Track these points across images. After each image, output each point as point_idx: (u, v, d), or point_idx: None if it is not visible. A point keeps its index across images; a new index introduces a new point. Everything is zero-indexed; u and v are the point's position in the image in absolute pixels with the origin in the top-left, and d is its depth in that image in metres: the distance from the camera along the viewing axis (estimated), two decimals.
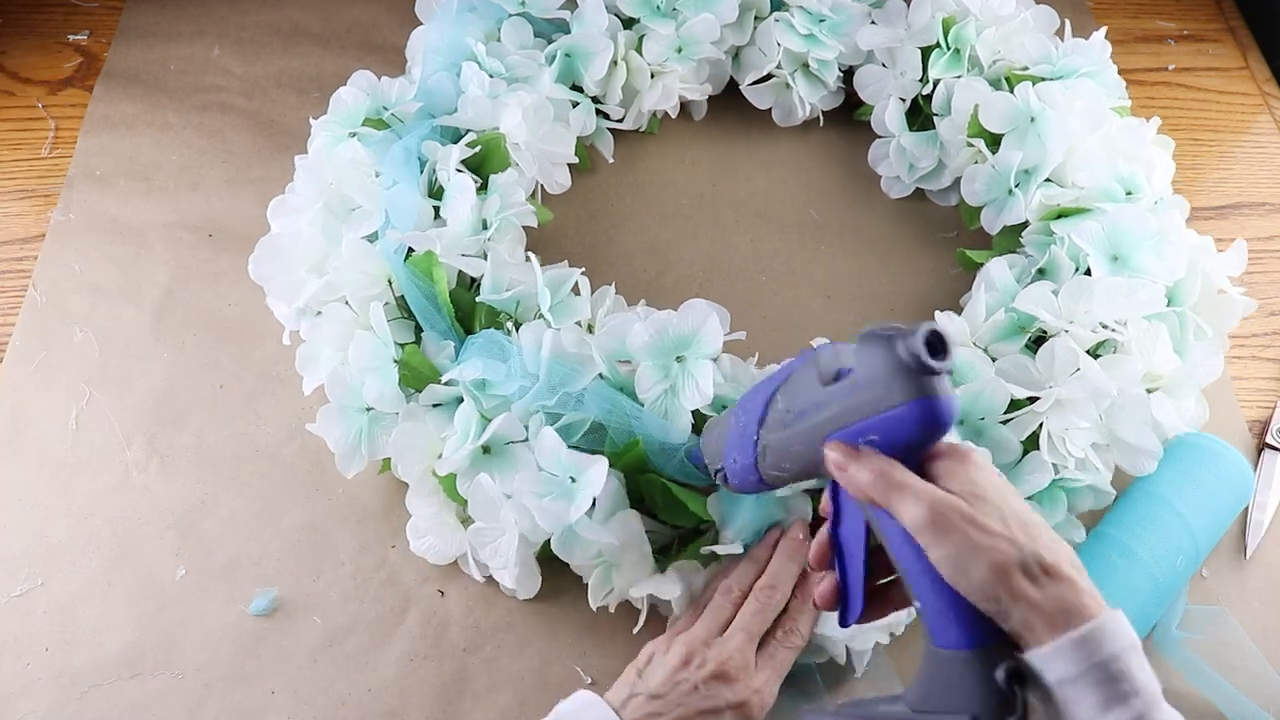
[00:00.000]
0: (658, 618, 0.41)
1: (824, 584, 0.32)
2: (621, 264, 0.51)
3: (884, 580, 0.32)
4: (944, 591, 0.27)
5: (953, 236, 0.53)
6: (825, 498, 0.32)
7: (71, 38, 0.57)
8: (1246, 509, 0.45)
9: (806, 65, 0.54)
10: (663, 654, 0.36)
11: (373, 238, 0.43)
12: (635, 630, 0.40)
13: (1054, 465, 0.40)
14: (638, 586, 0.39)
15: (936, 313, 0.45)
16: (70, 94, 0.55)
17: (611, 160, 0.54)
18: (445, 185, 0.45)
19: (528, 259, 0.42)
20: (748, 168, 0.56)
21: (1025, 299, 0.43)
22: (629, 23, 0.53)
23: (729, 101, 0.57)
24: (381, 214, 0.43)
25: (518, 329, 0.40)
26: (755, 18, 0.54)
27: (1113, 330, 0.42)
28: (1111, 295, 0.42)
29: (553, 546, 0.38)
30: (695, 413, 0.40)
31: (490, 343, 0.40)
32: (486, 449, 0.40)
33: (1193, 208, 0.49)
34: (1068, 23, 0.52)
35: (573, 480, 0.38)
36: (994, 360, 0.43)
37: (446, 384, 0.40)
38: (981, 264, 0.47)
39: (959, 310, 0.47)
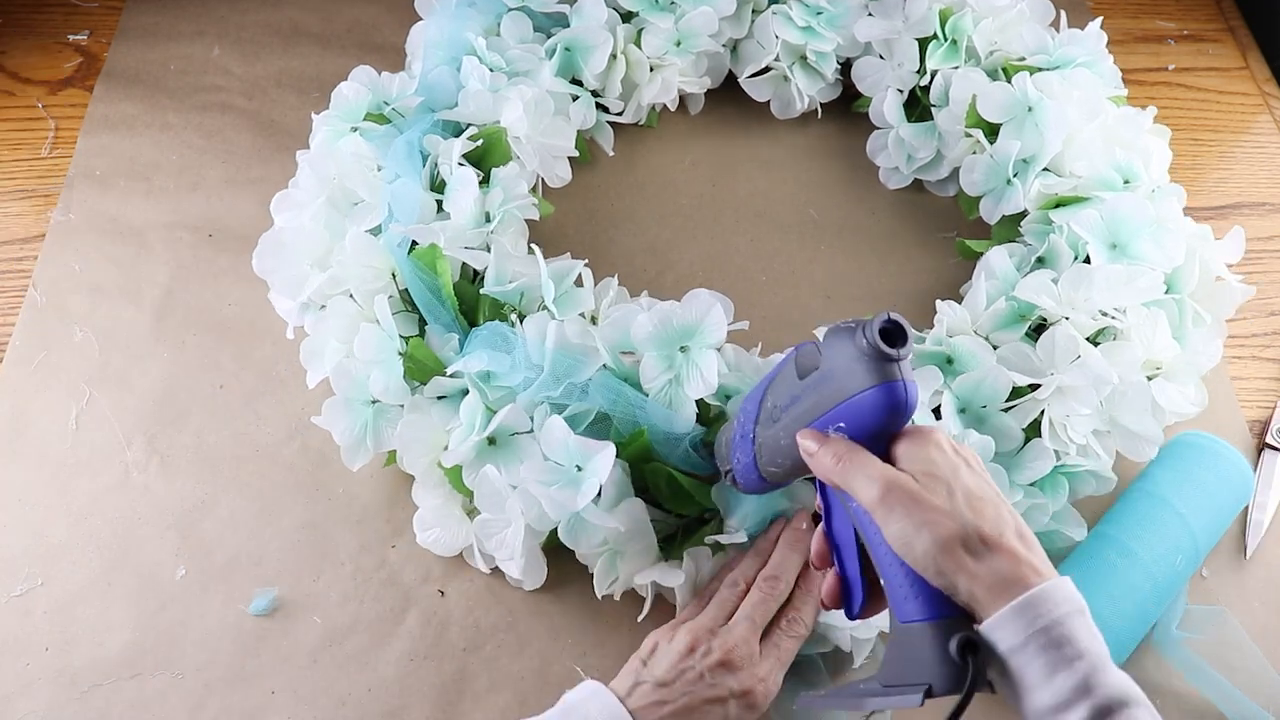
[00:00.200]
0: (661, 608, 0.41)
1: (827, 581, 0.32)
2: (622, 263, 0.51)
3: None
4: (900, 567, 0.29)
5: (952, 236, 0.53)
6: (816, 496, 0.33)
7: (71, 38, 0.58)
8: (1246, 509, 0.45)
9: (804, 57, 0.54)
10: (667, 643, 0.36)
11: (376, 231, 0.43)
12: (640, 618, 0.40)
13: (1056, 452, 0.41)
14: (642, 574, 0.39)
15: (938, 302, 0.45)
16: (70, 94, 0.55)
17: (611, 154, 0.55)
18: (447, 179, 0.45)
19: (531, 251, 0.42)
20: (747, 166, 0.56)
21: (1025, 287, 0.43)
22: (628, 16, 0.53)
23: (728, 94, 0.57)
24: (384, 208, 0.43)
25: (522, 321, 0.41)
26: (753, 11, 0.54)
27: (1112, 317, 0.42)
28: (1111, 283, 0.42)
29: (559, 534, 0.38)
30: (700, 402, 0.40)
31: (494, 335, 0.40)
32: (492, 440, 0.40)
33: (1193, 207, 0.50)
34: (1063, 14, 0.53)
35: (579, 469, 0.38)
36: (995, 348, 0.43)
37: (451, 376, 0.40)
38: (981, 253, 0.47)
39: (960, 300, 0.47)
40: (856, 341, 0.29)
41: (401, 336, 0.41)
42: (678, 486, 0.39)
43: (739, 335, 0.42)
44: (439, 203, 0.45)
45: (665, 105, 0.55)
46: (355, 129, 0.47)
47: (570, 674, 0.40)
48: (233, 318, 0.48)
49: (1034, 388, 0.41)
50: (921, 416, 0.40)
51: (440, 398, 0.41)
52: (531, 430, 0.39)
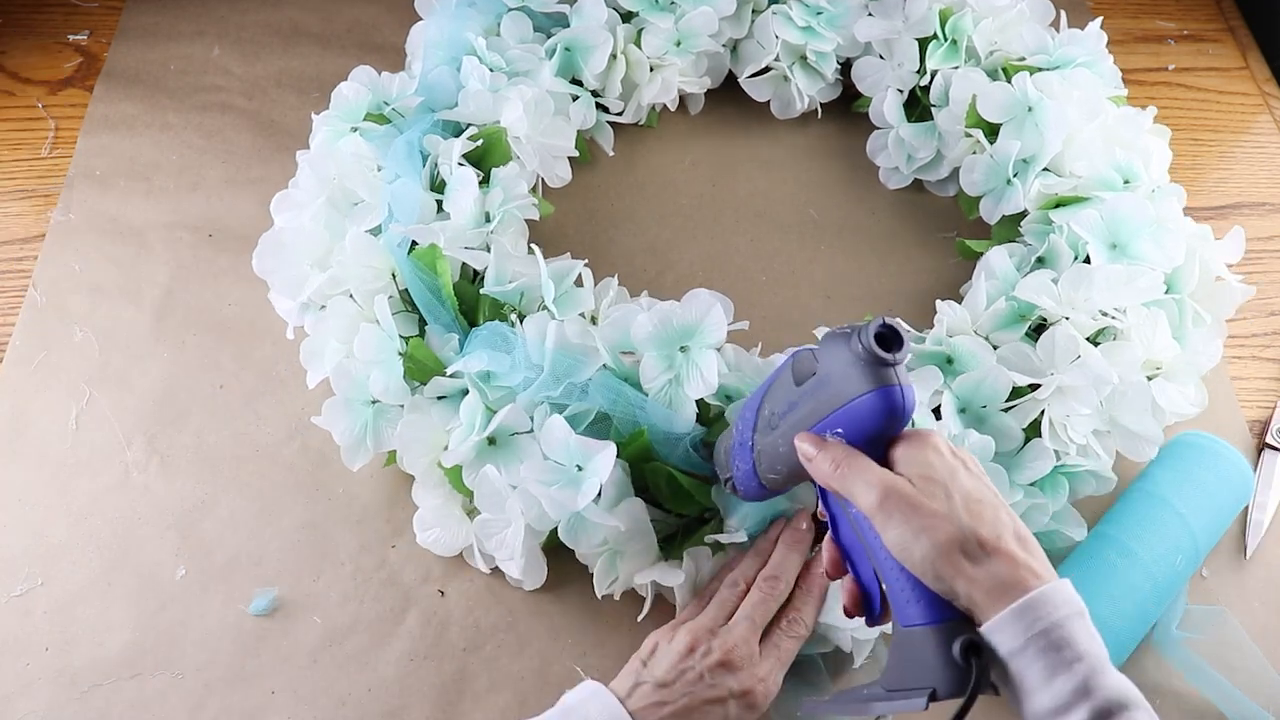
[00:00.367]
0: (661, 608, 0.41)
1: (845, 588, 0.32)
2: (622, 263, 0.51)
3: None
4: (901, 572, 0.29)
5: (952, 236, 0.53)
6: (818, 507, 0.33)
7: (71, 38, 0.58)
8: (1246, 509, 0.45)
9: (804, 57, 0.54)
10: (667, 643, 0.36)
11: (376, 231, 0.43)
12: (640, 618, 0.40)
13: (1056, 452, 0.41)
14: (642, 574, 0.39)
15: (938, 302, 0.45)
16: (70, 94, 0.55)
17: (611, 154, 0.55)
18: (447, 179, 0.45)
19: (531, 251, 0.42)
20: (747, 166, 0.56)
21: (1025, 287, 0.43)
22: (628, 16, 0.53)
23: (728, 94, 0.57)
24: (384, 208, 0.43)
25: (521, 321, 0.40)
26: (753, 11, 0.54)
27: (1112, 317, 0.42)
28: (1111, 283, 0.42)
29: (560, 533, 0.38)
30: (700, 402, 0.40)
31: (494, 335, 0.40)
32: (492, 440, 0.40)
33: (1193, 208, 0.50)
34: (1063, 14, 0.53)
35: (579, 469, 0.38)
36: (995, 348, 0.43)
37: (451, 376, 0.40)
38: (981, 253, 0.47)
39: (960, 300, 0.47)
40: (852, 346, 0.29)
41: (401, 336, 0.41)
42: (678, 486, 0.39)
43: (739, 335, 0.42)
44: (439, 203, 0.45)
45: (665, 105, 0.55)
46: (355, 129, 0.47)
47: (570, 674, 0.40)
48: (233, 318, 0.48)
49: (1034, 388, 0.41)
50: (921, 417, 0.40)
51: (440, 398, 0.41)
52: (531, 430, 0.39)
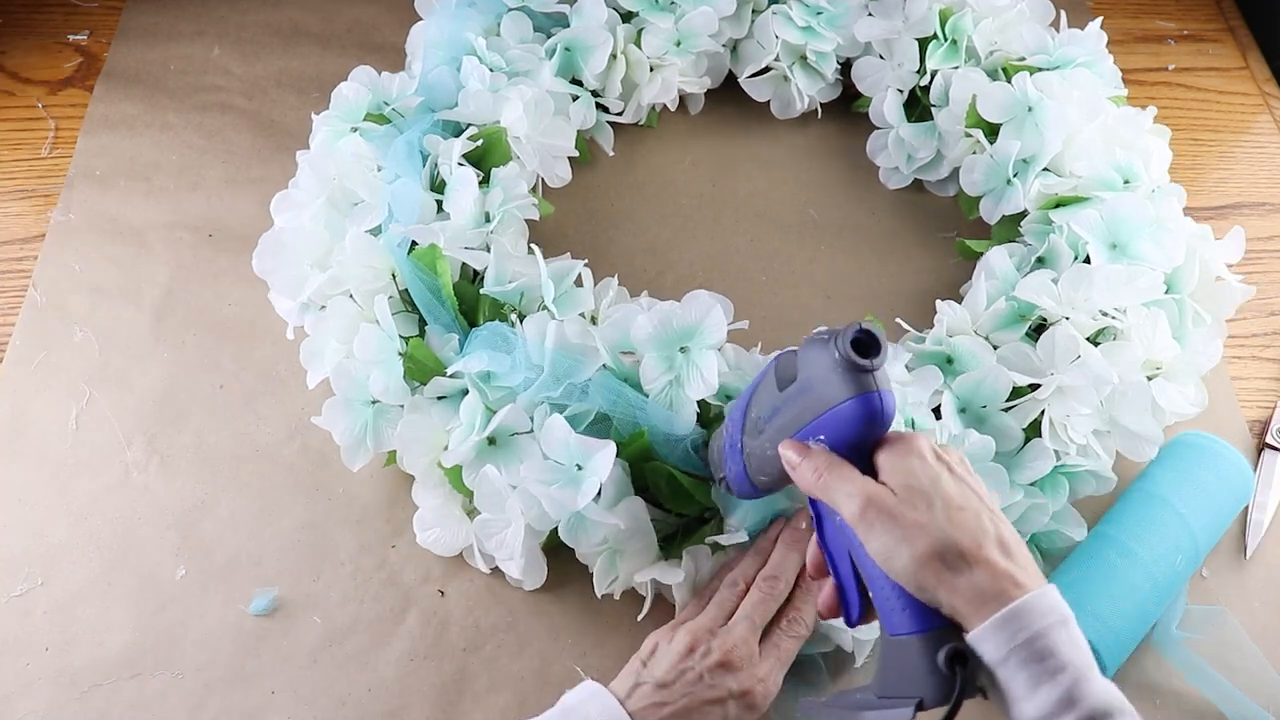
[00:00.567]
0: (661, 607, 0.41)
1: (824, 590, 0.32)
2: (622, 263, 0.51)
3: None
4: (886, 580, 0.29)
5: (952, 236, 0.53)
6: (807, 507, 0.33)
7: (71, 38, 0.58)
8: (1246, 509, 0.45)
9: (804, 57, 0.54)
10: (667, 643, 0.36)
11: (376, 232, 0.43)
12: (639, 617, 0.40)
13: (1056, 452, 0.41)
14: (642, 572, 0.39)
15: (938, 302, 0.45)
16: (70, 94, 0.55)
17: (611, 154, 0.55)
18: (447, 179, 0.45)
19: (531, 251, 0.42)
20: (747, 166, 0.56)
21: (1025, 287, 0.43)
22: (628, 16, 0.53)
23: (728, 94, 0.57)
24: (384, 208, 0.43)
25: (521, 321, 0.40)
26: (753, 11, 0.54)
27: (1112, 317, 0.42)
28: (1111, 282, 0.42)
29: (560, 533, 0.38)
30: (700, 403, 0.40)
31: (494, 335, 0.40)
32: (492, 440, 0.40)
33: (1193, 207, 0.50)
34: (1063, 14, 0.53)
35: (579, 468, 0.38)
36: (995, 348, 0.43)
37: (451, 376, 0.40)
38: (981, 253, 0.47)
39: (960, 300, 0.47)
40: (830, 353, 0.29)
41: (401, 337, 0.41)
42: (678, 486, 0.39)
43: (739, 335, 0.42)
44: (439, 203, 0.45)
45: (665, 105, 0.55)
46: (355, 129, 0.47)
47: (570, 674, 0.40)
48: (233, 318, 0.48)
49: (1034, 388, 0.41)
50: (921, 416, 0.40)
51: (440, 398, 0.41)
52: (531, 430, 0.39)
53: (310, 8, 0.60)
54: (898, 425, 0.39)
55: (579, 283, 0.43)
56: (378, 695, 0.39)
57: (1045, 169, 0.48)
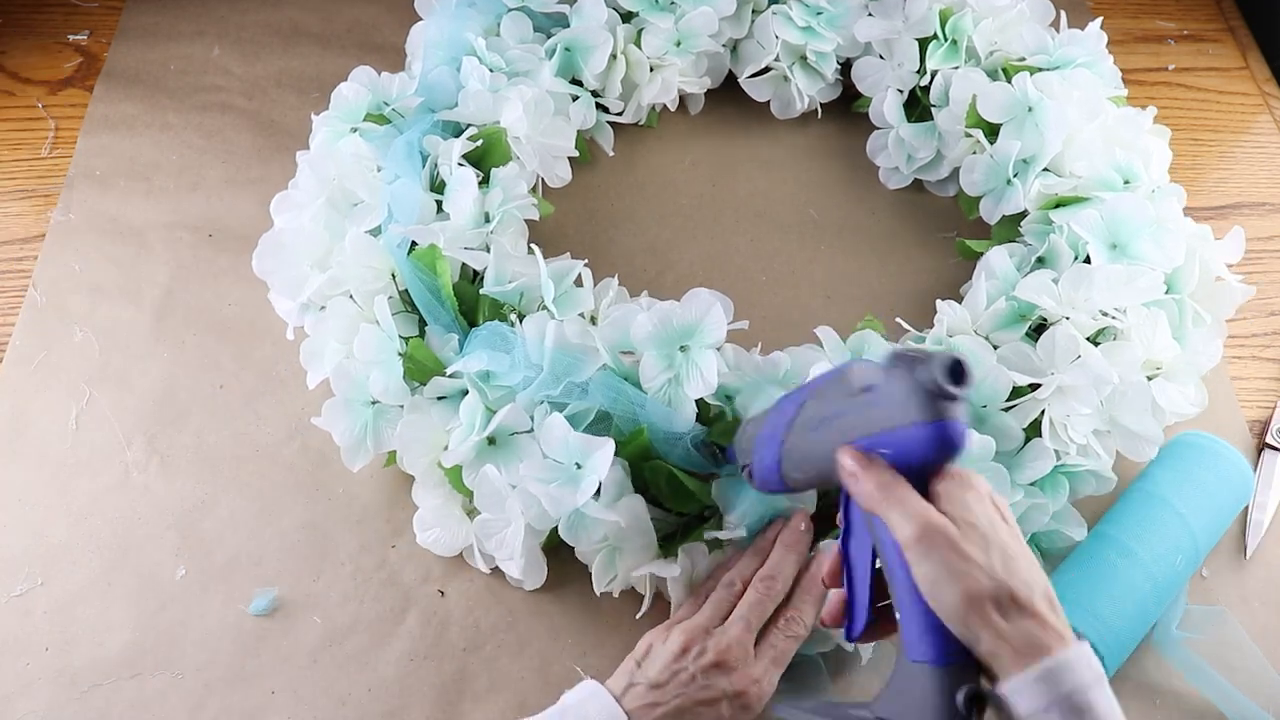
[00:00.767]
0: (660, 606, 0.41)
1: (831, 599, 0.32)
2: (622, 263, 0.51)
3: (889, 601, 0.32)
4: (922, 607, 0.28)
5: (952, 236, 0.53)
6: (839, 514, 0.33)
7: (71, 38, 0.58)
8: (1246, 509, 0.45)
9: (804, 58, 0.54)
10: (661, 643, 0.36)
11: (375, 232, 0.43)
12: (638, 615, 0.40)
13: (1056, 451, 0.41)
14: (639, 569, 0.39)
15: (938, 302, 0.45)
16: (70, 94, 0.55)
17: (611, 154, 0.55)
18: (447, 179, 0.45)
19: (530, 251, 0.42)
20: (747, 166, 0.56)
21: (1026, 287, 0.43)
22: (628, 16, 0.53)
23: (728, 94, 0.57)
24: (384, 208, 0.43)
25: (521, 321, 0.40)
26: (753, 11, 0.54)
27: (1112, 317, 0.42)
28: (1111, 283, 0.42)
29: (560, 530, 0.38)
30: (699, 402, 0.40)
31: (494, 335, 0.40)
32: (492, 440, 0.40)
33: (1193, 207, 0.50)
34: (1063, 14, 0.53)
35: (578, 466, 0.38)
36: (995, 348, 0.43)
37: (451, 376, 0.40)
38: (981, 253, 0.47)
39: (960, 300, 0.47)
40: (919, 374, 0.28)
41: (401, 337, 0.41)
42: (678, 484, 0.39)
43: (739, 335, 0.42)
44: (439, 203, 0.44)
45: (665, 105, 0.55)
46: (355, 129, 0.47)
47: (570, 674, 0.40)
48: (233, 318, 0.48)
49: (1034, 387, 0.41)
50: None
51: (440, 398, 0.41)
52: (531, 430, 0.39)
53: (310, 8, 0.60)
54: None
55: (579, 283, 0.43)
56: (378, 695, 0.39)
57: (1045, 169, 0.48)
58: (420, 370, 0.41)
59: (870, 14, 0.54)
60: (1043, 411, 0.41)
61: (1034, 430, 0.41)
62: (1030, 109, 0.48)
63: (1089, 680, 0.27)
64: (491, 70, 0.48)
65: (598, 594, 0.40)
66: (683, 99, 0.57)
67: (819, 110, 0.57)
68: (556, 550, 0.40)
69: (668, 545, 0.40)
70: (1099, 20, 0.52)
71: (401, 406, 0.41)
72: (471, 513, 0.41)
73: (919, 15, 0.52)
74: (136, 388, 0.46)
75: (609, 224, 0.53)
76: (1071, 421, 0.41)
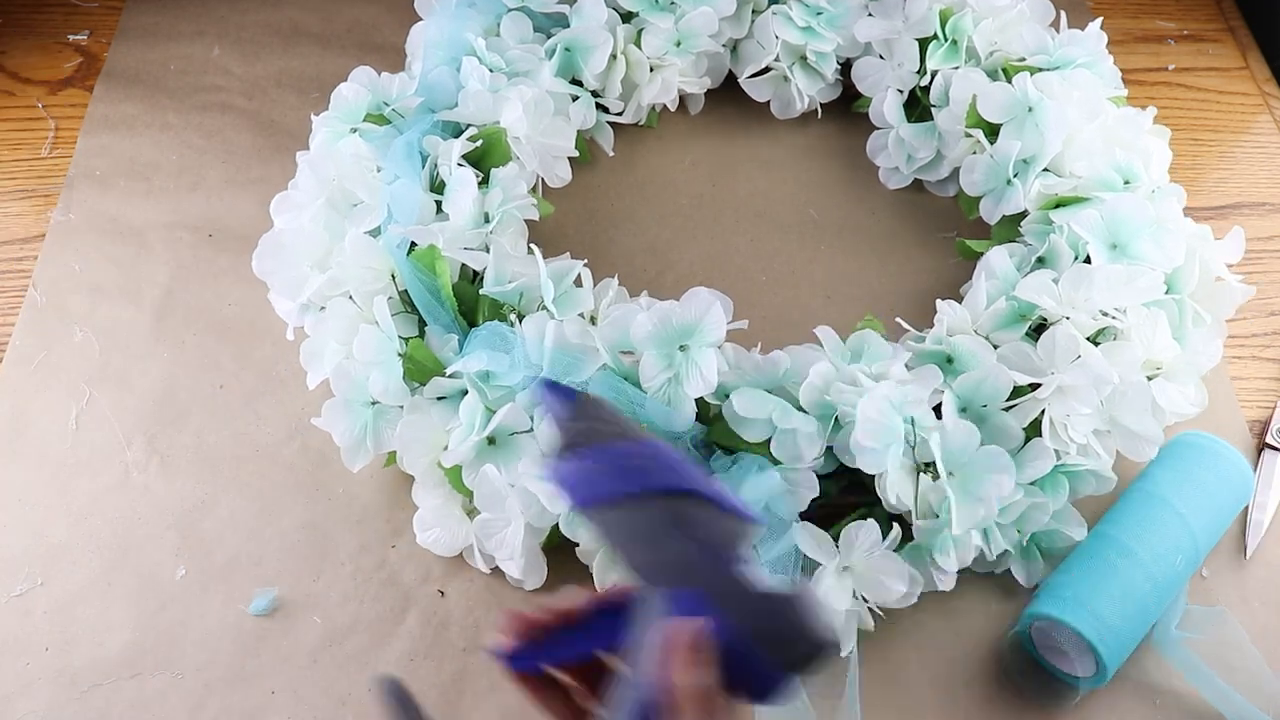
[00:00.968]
0: None
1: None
2: (621, 263, 0.51)
3: None
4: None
5: (952, 236, 0.53)
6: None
7: (71, 38, 0.58)
8: (1246, 509, 0.45)
9: (804, 58, 0.54)
10: None
11: (375, 232, 0.43)
12: None
13: (1056, 451, 0.40)
14: None
15: (938, 302, 0.45)
16: (70, 94, 0.56)
17: (611, 154, 0.55)
18: (447, 179, 0.45)
19: (530, 251, 0.42)
20: (747, 166, 0.56)
21: (1026, 287, 0.43)
22: (628, 16, 0.53)
23: (728, 94, 0.57)
24: (384, 209, 0.43)
25: (521, 321, 0.41)
26: (753, 11, 0.54)
27: (1112, 317, 0.42)
28: (1111, 282, 0.42)
29: (561, 526, 0.38)
30: (699, 401, 0.40)
31: (494, 335, 0.40)
32: (491, 440, 0.40)
33: (1193, 207, 0.50)
34: (1063, 14, 0.53)
35: None
36: (995, 348, 0.43)
37: (451, 376, 0.40)
38: (981, 253, 0.47)
39: (960, 299, 0.47)
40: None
41: (401, 337, 0.41)
42: None
43: (739, 335, 0.42)
44: (438, 203, 0.45)
45: (665, 105, 0.55)
46: (355, 130, 0.47)
47: None
48: (233, 318, 0.48)
49: (1034, 387, 0.41)
50: (922, 415, 0.40)
51: (440, 398, 0.41)
52: (531, 430, 0.39)
53: (310, 8, 0.60)
54: (898, 426, 0.38)
55: (579, 283, 0.43)
56: (378, 695, 0.39)
57: (1045, 169, 0.48)
58: (420, 370, 0.41)
59: (870, 14, 0.54)
60: (1043, 411, 0.41)
61: (1034, 430, 0.41)
62: (1030, 109, 0.48)
63: None
64: (491, 70, 0.48)
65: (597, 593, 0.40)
66: (683, 99, 0.57)
67: (819, 110, 0.57)
68: (557, 550, 0.40)
69: None
70: (1099, 20, 0.52)
71: (401, 407, 0.41)
72: (471, 513, 0.41)
73: (919, 15, 0.52)
74: (136, 388, 0.46)
75: (609, 224, 0.53)
76: (1071, 421, 0.41)
